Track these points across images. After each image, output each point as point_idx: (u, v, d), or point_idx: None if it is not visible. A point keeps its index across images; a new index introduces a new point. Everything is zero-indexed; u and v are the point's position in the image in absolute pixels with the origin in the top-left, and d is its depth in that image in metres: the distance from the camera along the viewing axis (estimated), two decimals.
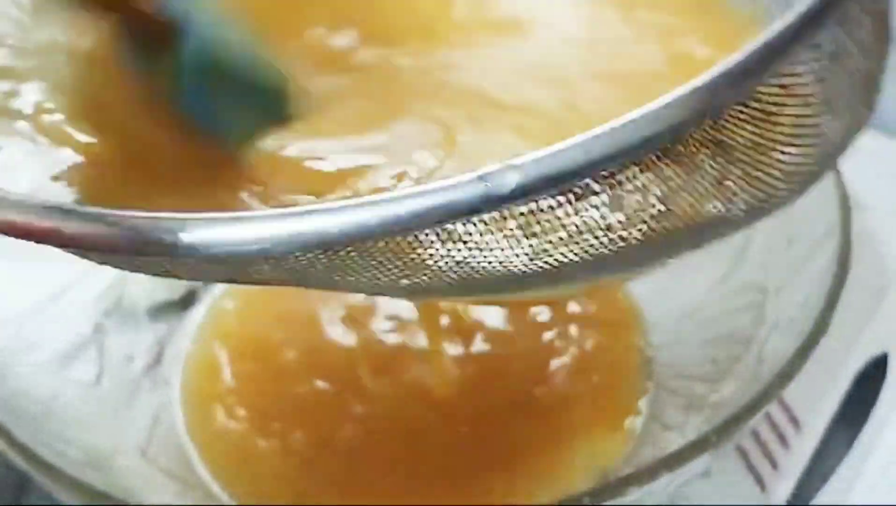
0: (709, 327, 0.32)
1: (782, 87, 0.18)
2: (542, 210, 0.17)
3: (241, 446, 0.30)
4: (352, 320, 0.33)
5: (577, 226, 0.17)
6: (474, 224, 0.16)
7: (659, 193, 0.17)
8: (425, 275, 0.18)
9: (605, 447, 0.31)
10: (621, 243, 0.18)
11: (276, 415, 0.31)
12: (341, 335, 0.33)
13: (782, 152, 0.18)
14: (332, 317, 0.34)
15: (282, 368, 0.32)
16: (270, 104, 0.24)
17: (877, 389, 0.33)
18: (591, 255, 0.18)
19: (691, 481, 0.33)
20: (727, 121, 0.17)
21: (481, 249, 0.17)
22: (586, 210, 0.17)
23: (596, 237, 0.17)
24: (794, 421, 0.34)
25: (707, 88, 0.16)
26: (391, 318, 0.34)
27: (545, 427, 0.31)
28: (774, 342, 0.28)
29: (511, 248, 0.17)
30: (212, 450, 0.30)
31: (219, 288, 0.35)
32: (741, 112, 0.17)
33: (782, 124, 0.18)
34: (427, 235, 0.17)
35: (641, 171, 0.17)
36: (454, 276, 0.18)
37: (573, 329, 0.34)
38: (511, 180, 0.15)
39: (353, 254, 0.17)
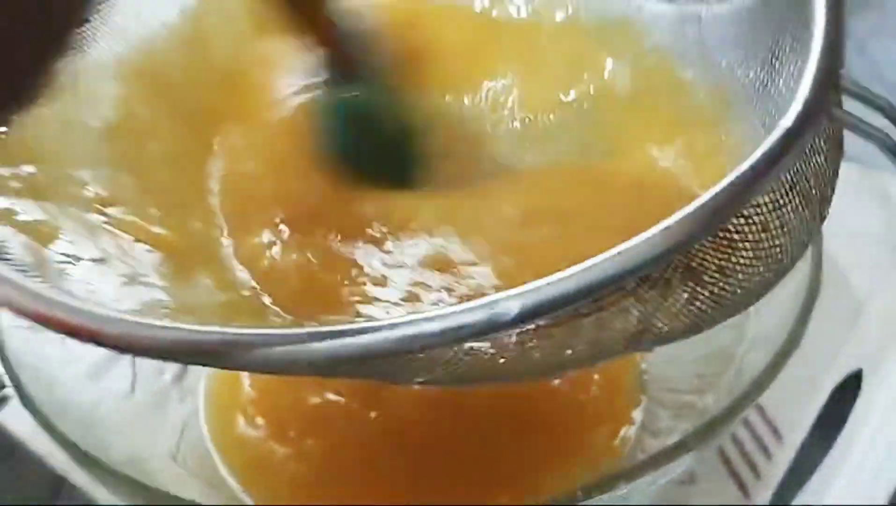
0: (696, 345, 0.34)
1: (744, 217, 0.20)
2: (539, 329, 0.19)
3: (260, 452, 0.33)
4: None
5: (567, 342, 0.19)
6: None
7: (637, 314, 0.19)
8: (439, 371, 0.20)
9: (604, 455, 0.34)
10: (605, 352, 0.20)
11: (291, 424, 0.33)
12: None
13: (743, 274, 0.20)
14: None
15: (297, 381, 0.34)
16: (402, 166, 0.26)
17: (851, 402, 0.35)
18: (573, 360, 0.20)
19: (678, 486, 0.35)
20: (697, 250, 0.19)
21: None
22: (576, 329, 0.19)
23: (581, 350, 0.20)
24: (776, 432, 0.36)
25: (680, 226, 0.18)
26: None
27: (550, 436, 0.34)
28: (752, 357, 0.31)
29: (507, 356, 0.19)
30: (233, 455, 0.33)
31: None
32: (709, 241, 0.19)
33: (744, 249, 0.20)
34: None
35: (624, 296, 0.19)
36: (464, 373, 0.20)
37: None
38: (514, 307, 0.17)
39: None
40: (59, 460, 0.34)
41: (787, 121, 0.19)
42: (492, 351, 0.19)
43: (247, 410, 0.34)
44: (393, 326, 0.17)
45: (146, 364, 0.35)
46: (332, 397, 0.34)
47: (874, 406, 0.32)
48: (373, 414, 0.33)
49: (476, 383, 0.23)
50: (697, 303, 0.20)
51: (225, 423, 0.33)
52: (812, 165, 0.21)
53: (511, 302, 0.17)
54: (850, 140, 0.22)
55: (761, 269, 0.21)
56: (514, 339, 0.19)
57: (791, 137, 0.19)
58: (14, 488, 0.36)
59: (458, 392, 0.33)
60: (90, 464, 0.26)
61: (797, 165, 0.20)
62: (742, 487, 0.35)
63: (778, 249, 0.21)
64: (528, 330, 0.18)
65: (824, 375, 0.37)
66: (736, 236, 0.20)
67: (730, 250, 0.20)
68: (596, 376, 0.36)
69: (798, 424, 0.36)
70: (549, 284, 0.17)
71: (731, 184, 0.18)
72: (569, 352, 0.20)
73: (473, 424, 0.33)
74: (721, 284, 0.20)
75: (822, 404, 0.36)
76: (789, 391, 0.37)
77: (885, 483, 0.30)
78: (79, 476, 0.34)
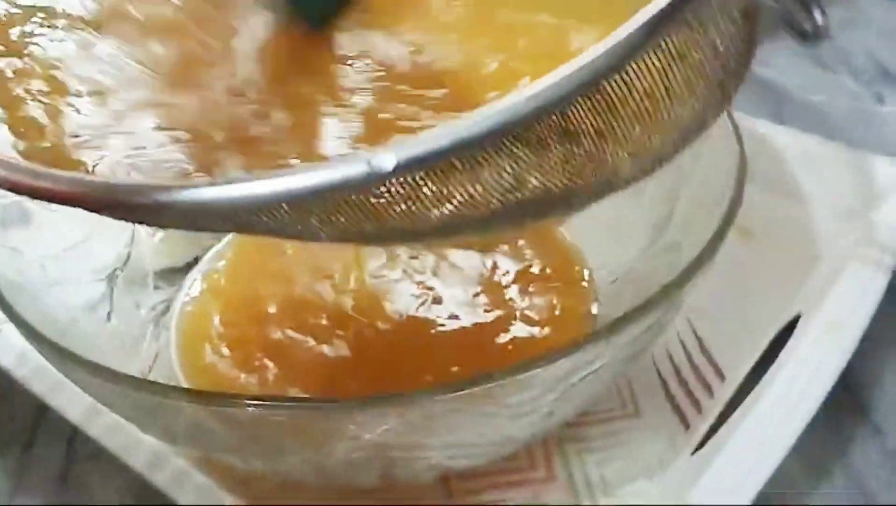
0: (640, 284, 0.36)
1: (625, 82, 0.20)
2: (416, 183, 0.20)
3: (224, 379, 0.35)
4: (327, 281, 0.38)
5: (444, 194, 0.20)
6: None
7: (510, 171, 0.20)
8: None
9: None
10: (482, 210, 0.21)
11: (255, 355, 0.35)
12: (316, 292, 0.38)
13: (624, 139, 0.21)
14: (309, 278, 0.39)
15: (262, 316, 0.37)
16: None
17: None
18: (456, 217, 0.21)
19: (625, 419, 0.37)
20: (573, 112, 0.20)
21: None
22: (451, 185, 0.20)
23: (460, 203, 0.21)
24: (720, 373, 0.38)
25: (554, 87, 0.19)
26: (363, 279, 0.39)
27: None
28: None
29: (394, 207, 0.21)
30: (199, 380, 0.35)
31: (213, 253, 0.40)
32: (586, 104, 0.20)
33: (624, 114, 0.21)
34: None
35: (496, 153, 0.20)
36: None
37: (531, 288, 0.39)
38: (390, 161, 0.19)
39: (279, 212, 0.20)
40: (40, 387, 0.37)
41: None
42: (380, 201, 0.20)
43: (214, 341, 0.36)
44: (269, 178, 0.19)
45: (125, 301, 0.38)
46: (294, 331, 0.36)
47: (795, 351, 0.34)
48: (329, 352, 0.35)
49: (383, 242, 0.24)
50: (574, 163, 0.21)
51: (194, 352, 0.36)
52: (709, 36, 0.22)
53: (387, 155, 0.19)
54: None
55: (646, 136, 0.22)
56: (395, 190, 0.20)
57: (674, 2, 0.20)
58: (2, 418, 0.39)
59: (418, 328, 0.35)
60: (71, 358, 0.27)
61: (690, 34, 0.21)
62: (684, 420, 0.36)
63: (665, 119, 0.22)
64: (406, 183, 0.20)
65: (770, 322, 0.39)
66: (615, 100, 0.21)
67: (609, 114, 0.21)
68: (547, 315, 0.38)
69: (740, 365, 0.38)
70: (424, 137, 0.19)
71: (607, 46, 0.19)
72: (455, 206, 0.21)
73: (438, 360, 0.35)
74: (601, 147, 0.21)
75: (763, 347, 0.38)
76: (735, 336, 0.39)
77: (794, 425, 0.31)
78: (60, 400, 0.36)
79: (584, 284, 0.38)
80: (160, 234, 0.41)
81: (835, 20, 0.58)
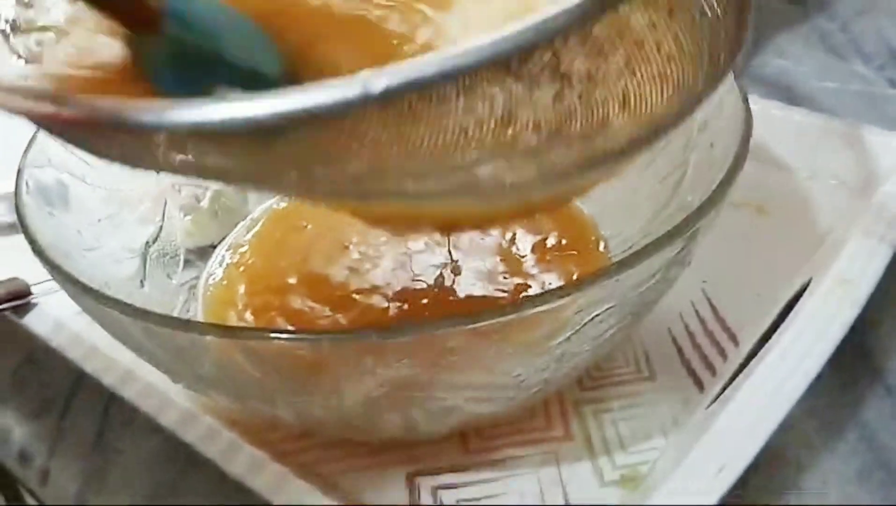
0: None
1: (615, 28, 0.22)
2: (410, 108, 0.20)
3: None
4: (346, 253, 0.40)
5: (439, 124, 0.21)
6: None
7: (503, 103, 0.21)
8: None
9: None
10: (474, 144, 0.22)
11: (277, 321, 0.37)
12: (334, 267, 0.40)
13: (614, 86, 0.22)
14: (328, 250, 0.40)
15: (284, 287, 0.38)
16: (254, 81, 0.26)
17: None
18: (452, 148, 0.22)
19: (640, 382, 0.38)
20: (564, 51, 0.21)
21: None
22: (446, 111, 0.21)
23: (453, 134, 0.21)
24: (734, 338, 0.39)
25: (546, 22, 0.20)
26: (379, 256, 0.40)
27: None
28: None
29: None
30: None
31: (240, 228, 0.43)
32: (576, 45, 0.21)
33: (614, 61, 0.22)
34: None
35: (489, 83, 0.21)
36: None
37: (548, 257, 0.40)
38: (382, 83, 0.19)
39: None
40: (76, 354, 0.38)
41: None
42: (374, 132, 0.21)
43: (238, 308, 0.38)
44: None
45: (158, 271, 0.40)
46: (311, 303, 0.38)
47: (805, 307, 0.35)
48: (345, 320, 0.36)
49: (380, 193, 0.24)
50: (565, 103, 0.22)
51: (219, 318, 0.37)
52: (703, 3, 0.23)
53: (382, 78, 0.19)
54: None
55: (637, 89, 0.23)
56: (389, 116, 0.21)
57: None
58: (37, 383, 0.41)
59: (438, 297, 0.36)
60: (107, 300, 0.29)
61: None
62: (698, 382, 0.37)
63: (656, 72, 0.23)
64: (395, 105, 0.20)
65: (782, 289, 0.40)
66: (605, 46, 0.22)
67: (600, 59, 0.22)
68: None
69: (754, 331, 0.38)
70: (419, 63, 0.20)
71: None
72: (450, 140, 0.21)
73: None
74: (591, 91, 0.22)
75: (776, 313, 0.39)
76: (749, 303, 0.40)
77: (803, 375, 0.32)
78: (95, 365, 0.38)
79: (601, 251, 0.40)
80: (190, 215, 0.43)
81: (848, 9, 0.59)
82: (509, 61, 0.21)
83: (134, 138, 0.22)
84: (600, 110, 0.23)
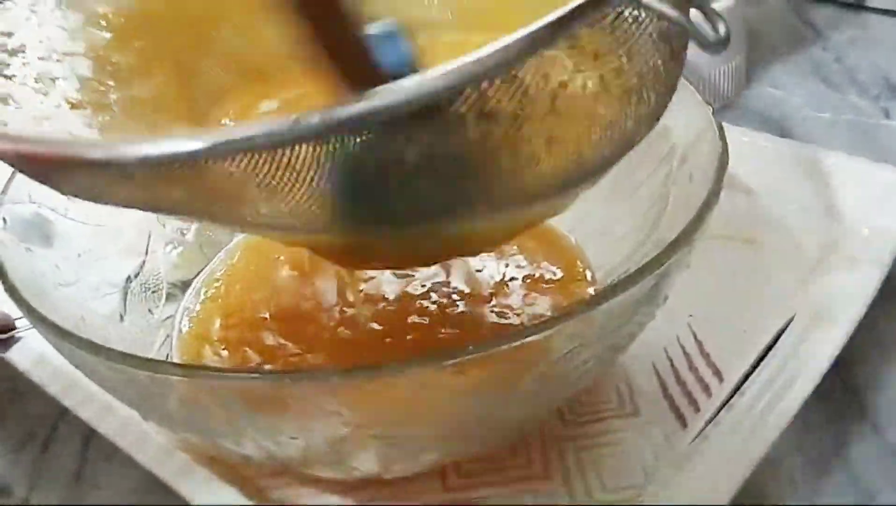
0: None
1: (539, 70, 0.22)
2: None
3: None
4: (315, 286, 0.40)
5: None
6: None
7: (426, 142, 0.22)
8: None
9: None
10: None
11: (250, 356, 0.37)
12: (307, 300, 0.40)
13: (540, 124, 0.23)
14: (298, 286, 0.40)
15: (257, 322, 0.38)
16: None
17: None
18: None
19: (623, 418, 0.38)
20: (491, 94, 0.22)
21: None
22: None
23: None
24: (718, 374, 0.39)
25: (471, 65, 0.21)
26: (357, 292, 0.40)
27: None
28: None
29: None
30: None
31: (215, 262, 0.43)
32: (502, 86, 0.22)
33: (539, 101, 0.23)
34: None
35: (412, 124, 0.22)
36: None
37: (538, 287, 0.39)
38: (313, 120, 0.21)
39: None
40: (56, 388, 0.38)
41: None
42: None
43: (214, 343, 0.38)
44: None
45: (138, 305, 0.40)
46: (284, 339, 0.38)
47: (786, 343, 0.35)
48: (315, 359, 0.36)
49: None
50: (491, 142, 0.23)
51: (195, 352, 0.37)
52: (626, 45, 0.24)
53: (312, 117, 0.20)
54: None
55: (563, 127, 0.23)
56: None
57: (585, 6, 0.22)
58: (20, 416, 0.40)
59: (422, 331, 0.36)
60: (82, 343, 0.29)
61: (604, 37, 0.23)
62: (681, 418, 0.37)
63: (582, 111, 0.23)
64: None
65: (767, 325, 0.39)
66: (530, 89, 0.22)
67: (525, 100, 0.22)
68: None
69: (738, 367, 0.38)
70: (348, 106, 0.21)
71: (519, 37, 0.21)
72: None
73: None
74: (515, 129, 0.23)
75: (760, 349, 0.38)
76: (734, 339, 0.39)
77: (785, 409, 0.32)
78: (75, 400, 0.38)
79: (588, 282, 0.39)
80: (178, 248, 0.43)
81: (843, 40, 0.59)
82: (437, 101, 0.21)
83: (85, 174, 0.23)
84: (525, 150, 0.23)
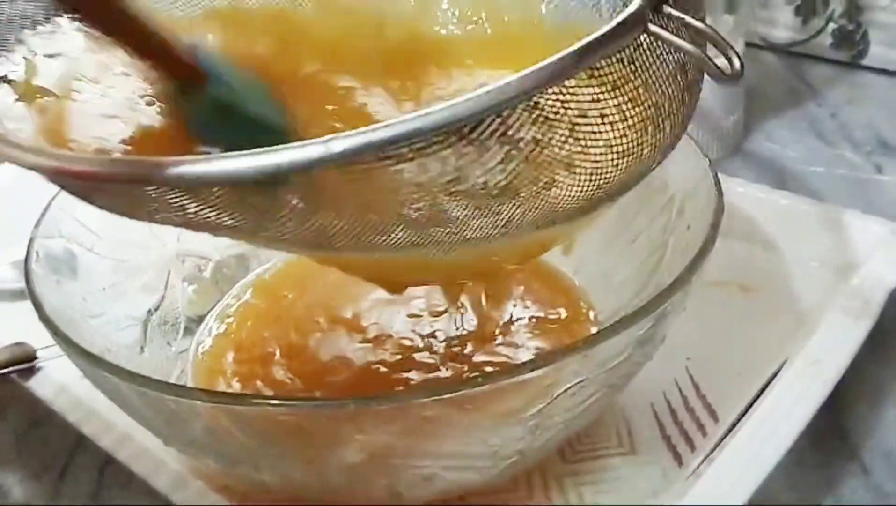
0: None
1: (559, 99, 0.24)
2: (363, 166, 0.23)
3: None
4: (326, 330, 0.42)
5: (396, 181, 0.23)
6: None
7: (455, 164, 0.23)
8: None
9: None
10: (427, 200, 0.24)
11: (261, 389, 0.38)
12: (315, 339, 0.41)
13: (560, 149, 0.25)
14: (308, 324, 0.42)
15: (267, 357, 0.40)
16: (267, 133, 0.29)
17: None
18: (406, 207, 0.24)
19: (621, 457, 0.39)
20: (513, 119, 0.23)
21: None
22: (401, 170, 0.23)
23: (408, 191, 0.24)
24: (714, 415, 0.40)
25: (494, 92, 0.22)
26: (365, 331, 0.41)
27: None
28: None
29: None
30: None
31: (229, 296, 0.45)
32: (525, 114, 0.24)
33: (559, 128, 0.24)
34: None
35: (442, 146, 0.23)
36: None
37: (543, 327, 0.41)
38: (340, 145, 0.22)
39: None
40: (76, 416, 0.40)
41: (603, 26, 0.24)
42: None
43: (227, 374, 0.39)
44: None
45: (157, 338, 0.41)
46: (292, 377, 0.39)
47: (778, 384, 0.36)
48: (318, 393, 0.38)
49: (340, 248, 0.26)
50: (513, 164, 0.24)
51: (208, 384, 0.39)
52: (643, 76, 0.25)
53: (338, 141, 0.22)
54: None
55: (582, 153, 0.25)
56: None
57: (604, 38, 0.23)
58: (39, 444, 0.42)
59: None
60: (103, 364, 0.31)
61: (622, 69, 0.25)
62: (678, 457, 0.38)
63: (600, 139, 0.25)
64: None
65: (762, 368, 0.41)
66: (550, 115, 0.24)
67: (546, 126, 0.24)
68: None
69: (733, 409, 0.39)
70: (374, 130, 0.22)
71: (541, 67, 0.23)
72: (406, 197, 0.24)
73: None
74: (536, 153, 0.24)
75: (755, 391, 0.40)
76: (730, 381, 0.41)
77: (775, 448, 0.33)
78: (93, 428, 0.39)
79: (591, 322, 0.41)
80: (194, 284, 0.45)
81: (837, 97, 0.62)
82: (461, 127, 0.23)
83: (128, 192, 0.24)
84: (546, 173, 0.25)
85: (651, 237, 0.39)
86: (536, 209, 0.26)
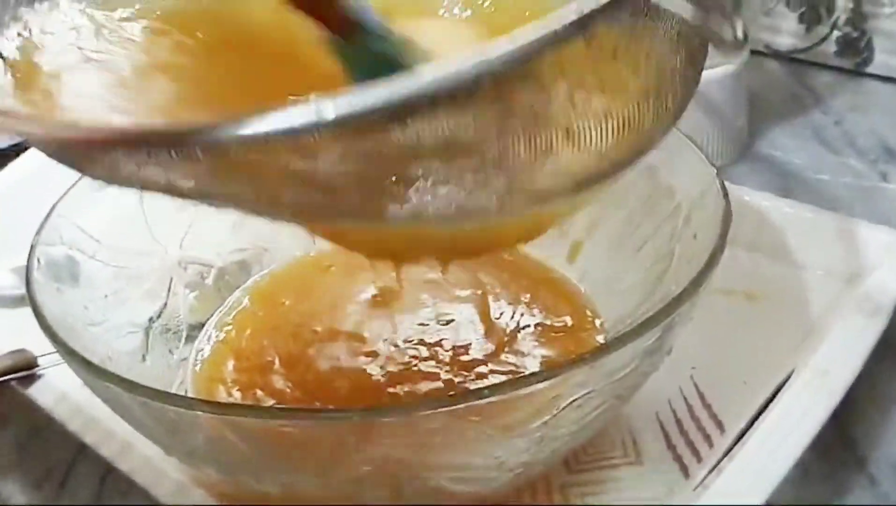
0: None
1: (557, 64, 0.23)
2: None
3: None
4: (323, 338, 0.41)
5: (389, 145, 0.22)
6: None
7: (448, 127, 0.22)
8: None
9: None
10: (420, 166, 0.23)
11: (261, 398, 0.38)
12: (314, 347, 0.41)
13: (559, 116, 0.24)
14: (307, 331, 0.42)
15: (266, 366, 0.40)
16: None
17: None
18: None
19: (627, 466, 0.39)
20: (510, 85, 0.23)
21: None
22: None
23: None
24: (720, 425, 0.40)
25: (488, 58, 0.21)
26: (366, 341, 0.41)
27: None
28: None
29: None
30: None
31: (228, 304, 0.44)
32: (523, 81, 0.23)
33: (556, 94, 0.23)
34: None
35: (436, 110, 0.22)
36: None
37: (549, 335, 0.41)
38: (332, 109, 0.21)
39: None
40: (77, 425, 0.40)
41: None
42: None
43: (227, 383, 0.39)
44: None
45: (159, 345, 0.41)
46: (290, 385, 0.39)
47: (786, 396, 0.36)
48: (320, 403, 0.38)
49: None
50: (509, 133, 0.23)
51: (208, 392, 0.38)
52: (643, 43, 0.25)
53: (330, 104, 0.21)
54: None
55: (581, 122, 0.24)
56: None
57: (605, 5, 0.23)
58: (40, 453, 0.42)
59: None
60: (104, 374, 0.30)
61: (626, 38, 0.24)
62: (684, 468, 0.38)
63: (599, 107, 0.24)
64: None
65: (769, 378, 0.40)
66: (547, 80, 0.23)
67: (543, 92, 0.23)
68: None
69: (740, 418, 0.39)
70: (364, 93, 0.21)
71: (541, 30, 0.22)
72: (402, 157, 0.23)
73: None
74: (534, 121, 0.24)
75: (762, 401, 0.39)
76: (736, 391, 0.41)
77: (783, 460, 0.33)
78: (94, 437, 0.39)
79: (596, 330, 0.41)
80: (196, 291, 0.45)
81: (842, 105, 0.61)
82: (455, 92, 0.22)
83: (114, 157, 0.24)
84: (544, 141, 0.24)
85: (657, 245, 0.39)
86: (534, 180, 0.25)
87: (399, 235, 0.28)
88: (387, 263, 0.35)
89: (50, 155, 0.27)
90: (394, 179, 0.23)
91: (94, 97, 0.30)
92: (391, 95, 0.21)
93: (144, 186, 0.25)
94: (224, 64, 0.31)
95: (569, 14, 0.22)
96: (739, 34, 0.24)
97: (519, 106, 0.23)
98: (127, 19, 0.32)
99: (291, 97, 0.22)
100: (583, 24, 0.22)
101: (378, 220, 0.25)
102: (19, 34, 0.31)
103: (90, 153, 0.25)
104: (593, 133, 0.25)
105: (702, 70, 0.28)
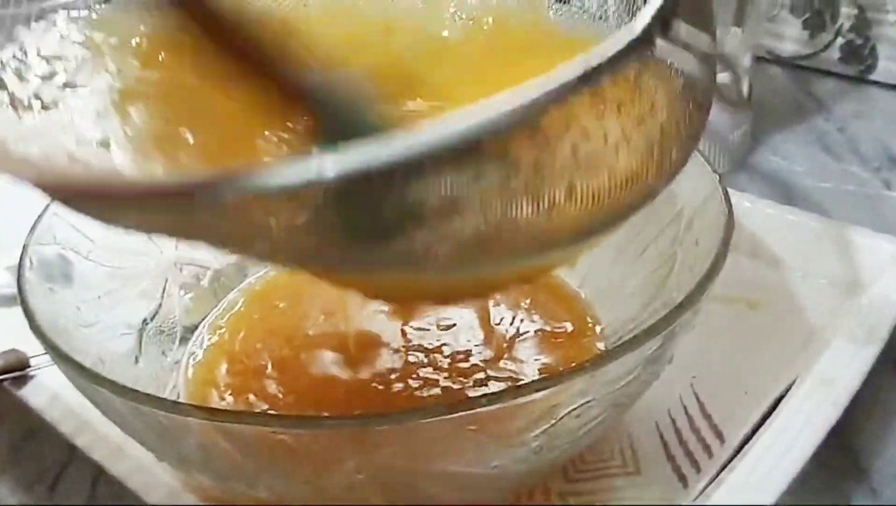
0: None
1: (562, 118, 0.23)
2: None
3: None
4: (318, 342, 0.41)
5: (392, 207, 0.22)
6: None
7: (451, 185, 0.22)
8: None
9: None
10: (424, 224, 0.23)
11: (254, 403, 0.37)
12: (308, 352, 0.40)
13: (563, 173, 0.23)
14: (301, 336, 0.41)
15: (259, 370, 0.39)
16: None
17: None
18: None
19: (625, 476, 0.38)
20: (513, 142, 0.22)
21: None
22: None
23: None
24: (720, 436, 0.39)
25: (492, 113, 0.21)
26: (363, 345, 0.41)
27: None
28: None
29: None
30: None
31: (221, 307, 0.44)
32: (526, 137, 0.22)
33: (561, 151, 0.23)
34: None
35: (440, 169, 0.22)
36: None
37: (549, 341, 0.40)
38: (332, 167, 0.21)
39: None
40: (68, 428, 0.39)
41: (608, 44, 0.23)
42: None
43: (220, 387, 0.38)
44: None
45: (152, 346, 0.40)
46: (285, 391, 0.38)
47: (787, 406, 0.35)
48: (314, 409, 0.37)
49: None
50: (511, 189, 0.23)
51: (201, 396, 0.38)
52: (649, 96, 0.24)
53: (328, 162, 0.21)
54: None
55: (584, 177, 0.24)
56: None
57: (611, 58, 0.22)
58: (32, 455, 0.41)
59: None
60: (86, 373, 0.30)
61: (627, 89, 0.24)
62: (683, 479, 0.37)
63: (603, 161, 0.24)
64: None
65: (769, 388, 0.40)
66: (551, 135, 0.23)
67: (547, 148, 0.23)
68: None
69: (740, 428, 0.39)
70: (366, 149, 0.21)
71: (546, 84, 0.21)
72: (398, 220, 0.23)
73: None
74: (537, 178, 0.23)
75: (762, 411, 0.39)
76: (736, 401, 0.40)
77: (785, 471, 0.33)
78: (86, 440, 0.38)
79: (597, 336, 0.40)
80: (191, 293, 0.44)
81: (845, 112, 0.61)
82: (457, 150, 0.22)
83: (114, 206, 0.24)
84: (547, 197, 0.24)
85: (659, 250, 0.39)
86: (535, 233, 0.25)
87: (396, 283, 0.27)
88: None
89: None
90: (390, 231, 0.23)
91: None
92: (392, 154, 0.21)
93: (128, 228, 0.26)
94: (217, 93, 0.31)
95: (575, 68, 0.22)
96: (744, 90, 0.23)
97: (521, 162, 0.23)
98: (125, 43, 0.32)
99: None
100: (588, 78, 0.22)
101: (374, 271, 0.25)
102: (14, 56, 0.30)
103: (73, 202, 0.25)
104: (596, 188, 0.24)
105: (705, 123, 0.28)
